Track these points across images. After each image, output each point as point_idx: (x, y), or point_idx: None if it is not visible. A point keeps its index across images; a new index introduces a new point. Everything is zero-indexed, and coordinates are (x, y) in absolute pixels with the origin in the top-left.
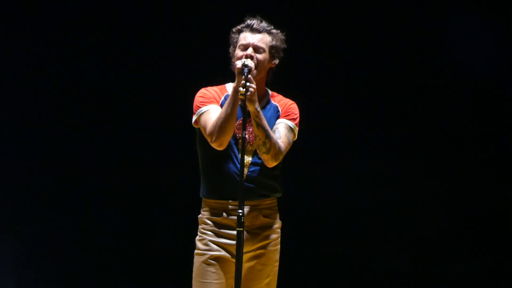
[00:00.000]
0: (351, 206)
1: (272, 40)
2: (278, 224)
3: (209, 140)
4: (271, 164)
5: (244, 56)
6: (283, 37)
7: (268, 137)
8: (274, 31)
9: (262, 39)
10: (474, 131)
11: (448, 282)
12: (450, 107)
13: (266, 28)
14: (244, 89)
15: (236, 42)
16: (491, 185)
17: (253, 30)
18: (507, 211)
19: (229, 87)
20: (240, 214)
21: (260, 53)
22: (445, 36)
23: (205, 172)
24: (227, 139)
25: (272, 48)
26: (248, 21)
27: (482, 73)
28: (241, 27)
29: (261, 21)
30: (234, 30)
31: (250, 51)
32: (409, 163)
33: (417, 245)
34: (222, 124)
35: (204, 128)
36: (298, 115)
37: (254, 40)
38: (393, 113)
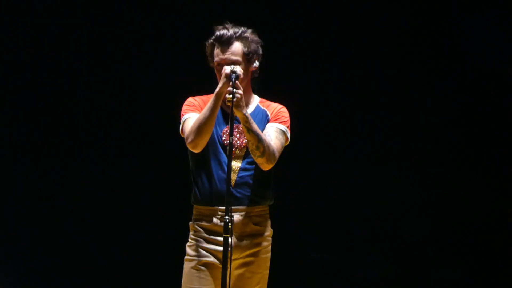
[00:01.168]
0: (336, 212)
1: (245, 46)
2: (269, 232)
3: (186, 142)
4: (267, 166)
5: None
6: (256, 37)
7: (260, 140)
8: (245, 34)
9: (234, 51)
10: (458, 137)
11: (433, 287)
12: (435, 111)
13: (234, 36)
14: (231, 95)
15: (212, 56)
16: (475, 190)
17: (222, 43)
18: (492, 216)
19: None
20: (227, 220)
21: (236, 65)
22: (440, 39)
23: (195, 178)
24: (203, 141)
25: (246, 55)
26: (217, 33)
27: (479, 75)
28: (212, 41)
29: (228, 30)
30: (207, 44)
31: (228, 69)
32: (395, 169)
33: (403, 250)
34: (199, 126)
35: (184, 132)
36: (288, 118)
37: (226, 56)
38: (380, 118)
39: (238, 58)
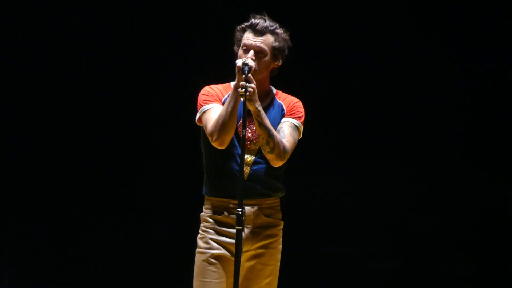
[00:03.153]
0: (347, 206)
1: (275, 41)
2: (280, 224)
3: (210, 139)
4: (277, 163)
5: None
6: (287, 37)
7: (271, 136)
8: (278, 31)
9: (264, 41)
10: (467, 133)
11: (443, 282)
12: (444, 109)
13: (269, 28)
14: (243, 89)
15: (240, 40)
16: (484, 185)
17: (255, 31)
18: (501, 211)
19: (233, 85)
20: (240, 212)
21: (262, 55)
22: (447, 39)
23: (207, 169)
24: (228, 138)
25: (274, 49)
26: (252, 20)
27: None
28: (245, 26)
29: (265, 21)
30: (238, 28)
31: (251, 54)
32: (405, 164)
33: (413, 244)
34: (223, 123)
35: (206, 127)
36: (303, 113)
37: (256, 42)
38: (390, 114)
39: (266, 48)
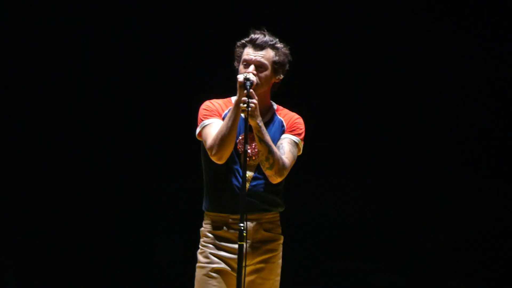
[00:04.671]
0: (349, 220)
1: (276, 55)
2: (279, 239)
3: (209, 153)
4: (276, 180)
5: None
6: (287, 51)
7: (271, 152)
8: (278, 45)
9: (264, 56)
10: (472, 146)
11: None
12: (449, 120)
13: (269, 43)
14: (245, 105)
15: (240, 56)
16: (490, 199)
17: (256, 45)
18: (507, 225)
19: (234, 100)
20: (242, 228)
21: (262, 69)
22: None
23: (207, 184)
24: (227, 153)
25: (275, 63)
26: (252, 36)
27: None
28: (245, 41)
29: (265, 35)
30: (238, 44)
31: (252, 68)
32: (409, 178)
33: (416, 258)
34: (222, 138)
35: (205, 141)
36: (303, 130)
37: (256, 57)
38: (390, 129)
39: (267, 63)
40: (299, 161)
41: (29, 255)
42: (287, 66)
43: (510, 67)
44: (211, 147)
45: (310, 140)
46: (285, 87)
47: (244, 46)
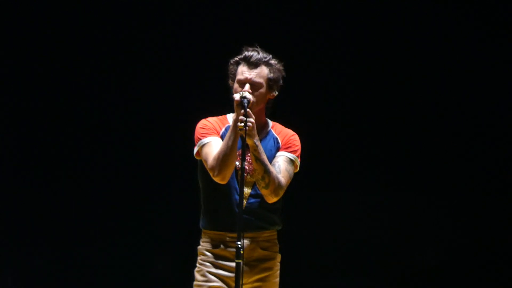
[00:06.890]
0: (347, 238)
1: (270, 72)
2: (277, 257)
3: (211, 174)
4: (271, 199)
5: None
6: (281, 67)
7: (267, 171)
8: (272, 62)
9: (259, 74)
10: (470, 163)
11: None
12: (448, 138)
13: (263, 60)
14: (243, 124)
15: (234, 74)
16: (488, 217)
17: (250, 63)
18: (505, 243)
19: (230, 117)
20: (239, 246)
21: (258, 87)
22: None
23: (204, 202)
24: (229, 172)
25: (270, 80)
26: (246, 53)
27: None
28: (239, 59)
29: (259, 52)
30: (231, 61)
31: (247, 87)
32: (407, 196)
33: (415, 277)
34: (224, 158)
35: (206, 161)
36: (299, 146)
37: (251, 75)
38: (393, 145)
39: (262, 81)
40: (297, 177)
41: (24, 272)
42: (281, 82)
43: None
44: (213, 168)
45: (309, 157)
46: (288, 104)
47: (237, 63)
